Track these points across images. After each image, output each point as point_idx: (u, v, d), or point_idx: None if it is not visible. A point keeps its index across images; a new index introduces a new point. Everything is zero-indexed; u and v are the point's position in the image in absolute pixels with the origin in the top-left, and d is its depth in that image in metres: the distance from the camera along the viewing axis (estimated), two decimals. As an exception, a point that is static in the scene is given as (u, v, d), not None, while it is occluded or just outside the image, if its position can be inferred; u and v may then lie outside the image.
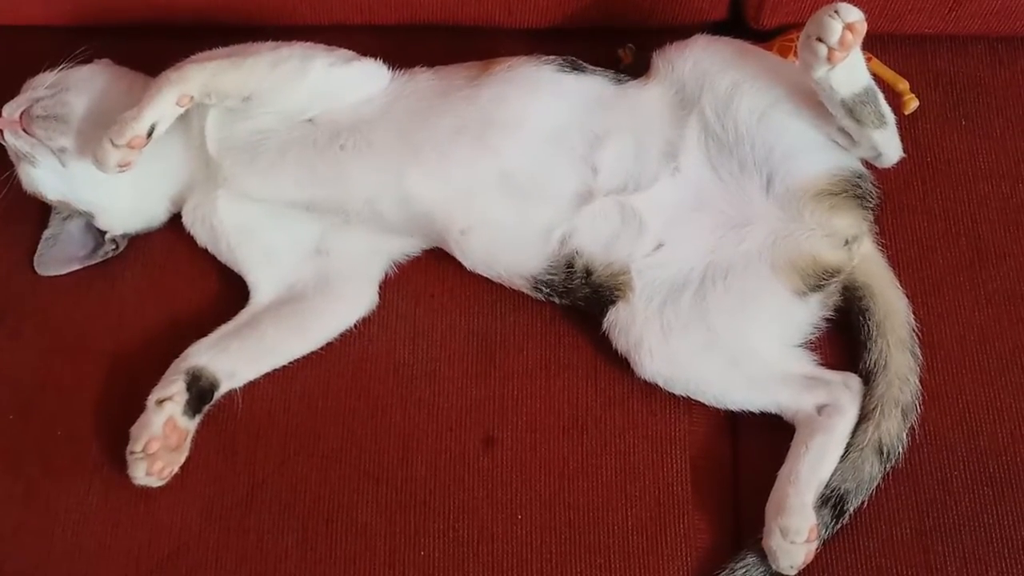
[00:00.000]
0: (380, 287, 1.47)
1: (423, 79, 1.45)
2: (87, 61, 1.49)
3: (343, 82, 1.43)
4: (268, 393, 1.43)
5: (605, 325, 1.40)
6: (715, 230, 1.39)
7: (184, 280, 1.49)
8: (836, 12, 1.25)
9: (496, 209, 1.40)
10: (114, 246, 1.49)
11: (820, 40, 1.26)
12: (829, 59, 1.26)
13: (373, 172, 1.40)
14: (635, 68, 1.49)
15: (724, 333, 1.37)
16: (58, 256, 1.50)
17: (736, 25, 1.59)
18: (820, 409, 1.36)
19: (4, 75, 1.49)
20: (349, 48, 1.47)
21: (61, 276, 1.49)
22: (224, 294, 1.48)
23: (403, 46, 1.51)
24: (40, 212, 1.52)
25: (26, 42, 1.62)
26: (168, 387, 1.37)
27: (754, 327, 1.38)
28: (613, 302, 1.40)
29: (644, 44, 1.53)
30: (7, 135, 1.42)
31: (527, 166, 1.39)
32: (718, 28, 1.57)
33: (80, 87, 1.44)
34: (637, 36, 1.58)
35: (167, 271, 1.50)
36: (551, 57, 1.44)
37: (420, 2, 1.58)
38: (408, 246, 1.48)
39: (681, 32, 1.49)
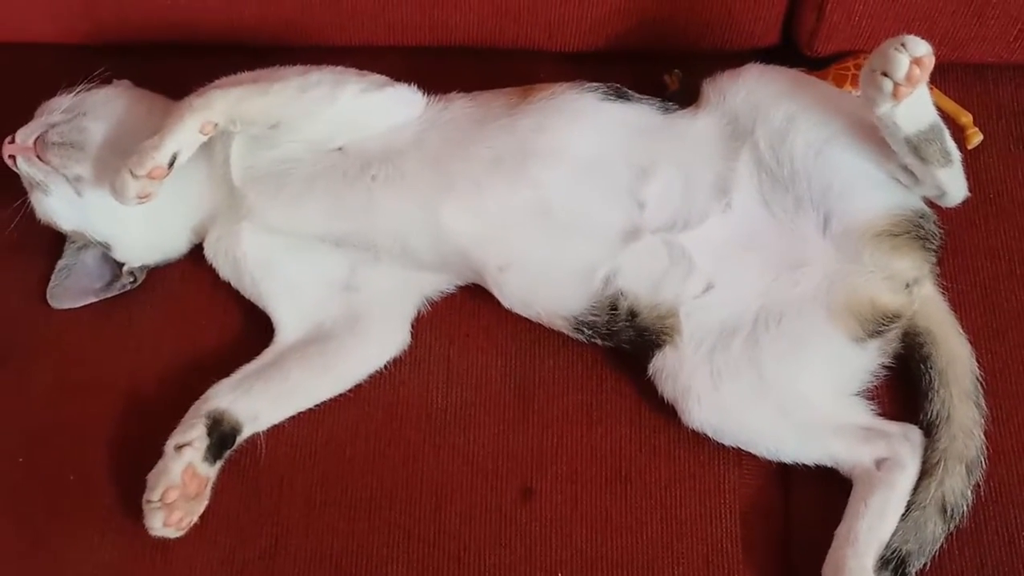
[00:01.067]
0: (412, 325, 1.40)
1: (459, 106, 1.38)
2: (105, 82, 1.44)
3: (375, 109, 1.37)
4: (293, 438, 1.36)
5: (651, 370, 1.34)
6: (768, 271, 1.33)
7: (205, 315, 1.43)
8: (903, 45, 1.18)
9: (536, 245, 1.33)
10: (132, 279, 1.43)
11: (885, 75, 1.19)
12: (894, 95, 1.20)
13: (405, 205, 1.34)
14: (682, 95, 1.43)
15: (777, 381, 1.31)
16: (72, 288, 1.43)
17: (788, 51, 1.52)
18: (879, 463, 1.29)
19: (15, 95, 1.43)
20: (377, 71, 1.41)
21: (75, 309, 1.43)
22: (247, 331, 1.41)
23: (435, 70, 1.45)
24: (54, 241, 1.45)
25: (38, 61, 1.57)
26: (188, 432, 1.30)
27: (809, 374, 1.31)
28: (659, 346, 1.33)
29: (691, 70, 1.48)
30: (20, 162, 1.36)
31: (569, 200, 1.32)
32: (769, 54, 1.51)
33: (97, 112, 1.38)
34: (683, 61, 1.52)
35: (187, 305, 1.44)
36: (594, 84, 1.38)
37: (455, 23, 1.51)
38: (442, 282, 1.41)
39: (730, 58, 1.43)
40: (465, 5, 1.49)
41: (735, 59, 1.41)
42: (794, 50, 1.52)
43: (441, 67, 1.48)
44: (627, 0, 1.47)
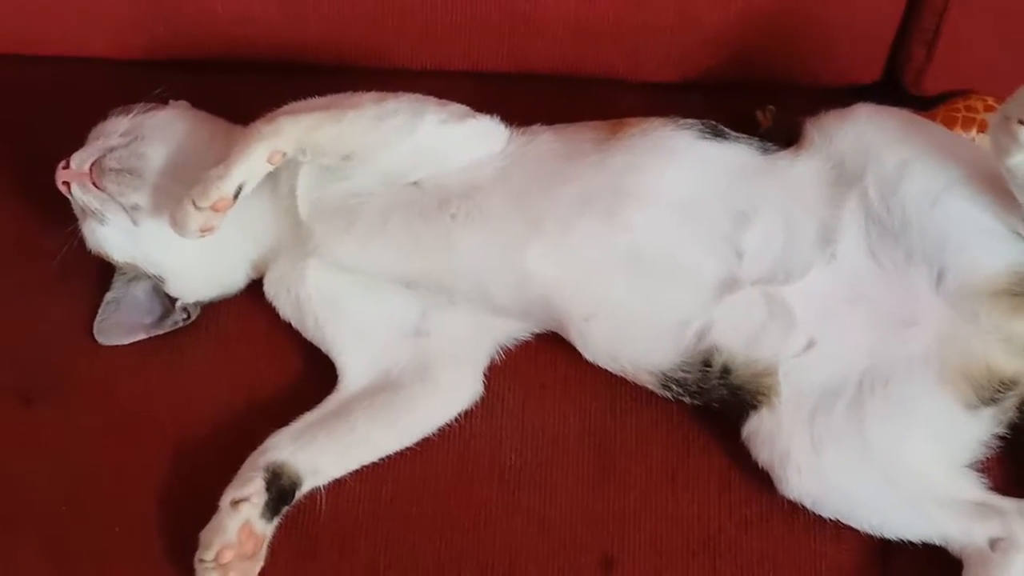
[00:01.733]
0: (485, 375, 1.32)
1: (544, 140, 1.30)
2: (162, 103, 1.36)
3: (456, 141, 1.29)
4: (355, 494, 1.27)
5: (745, 433, 1.25)
6: (874, 329, 1.24)
7: (263, 357, 1.34)
8: None
9: (626, 294, 1.25)
10: (185, 315, 1.34)
11: (1022, 123, 1.09)
12: (1031, 146, 1.10)
13: (487, 246, 1.26)
14: (774, 133, 1.35)
15: (883, 449, 1.22)
16: (121, 323, 1.35)
17: (888, 89, 1.46)
18: (993, 543, 1.20)
19: (67, 113, 1.37)
20: (448, 98, 1.32)
21: (123, 346, 1.35)
22: (308, 375, 1.32)
23: (509, 97, 1.38)
24: (101, 271, 1.36)
25: (91, 77, 1.50)
26: (245, 486, 1.21)
27: (917, 443, 1.22)
28: (755, 407, 1.24)
29: (783, 105, 1.42)
30: (75, 189, 1.28)
31: (663, 245, 1.24)
32: (868, 91, 1.44)
33: (157, 136, 1.30)
34: (775, 96, 1.44)
35: (243, 345, 1.35)
36: (689, 120, 1.29)
37: (533, 49, 1.45)
38: (518, 329, 1.33)
39: (827, 94, 1.38)
40: (546, 30, 1.42)
41: (831, 95, 1.36)
42: (896, 87, 1.45)
43: (514, 94, 1.42)
44: (721, 30, 1.41)
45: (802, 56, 1.42)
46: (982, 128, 1.37)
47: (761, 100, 1.44)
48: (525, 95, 1.42)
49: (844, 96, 1.38)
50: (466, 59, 1.45)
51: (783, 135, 1.32)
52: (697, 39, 1.41)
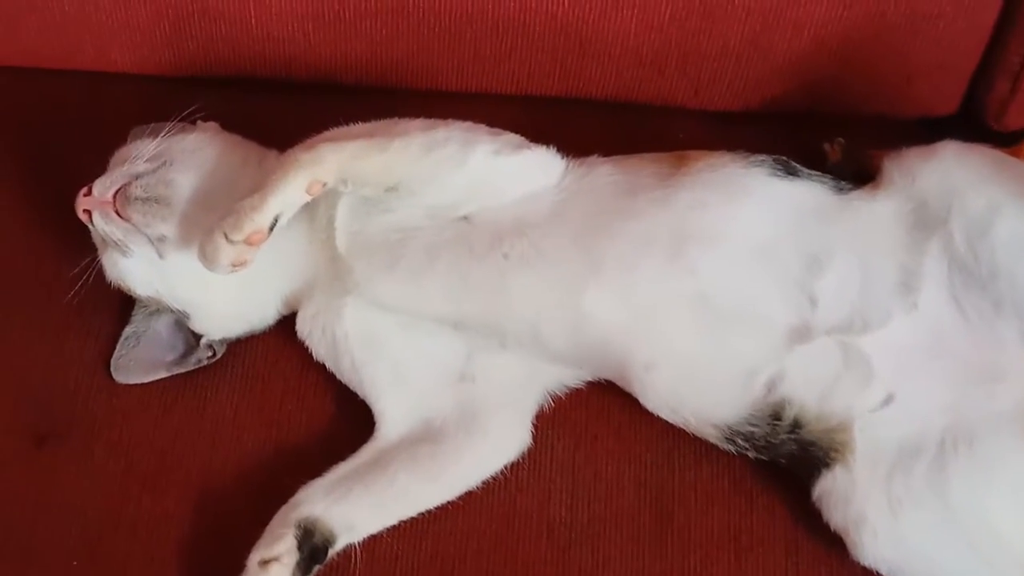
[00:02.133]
0: (533, 424, 1.23)
1: (603, 173, 1.22)
2: (190, 124, 1.28)
3: (509, 173, 1.21)
4: (393, 551, 1.18)
5: (816, 493, 1.17)
6: (958, 383, 1.15)
7: (293, 399, 1.26)
8: None
9: (691, 341, 1.17)
10: (210, 353, 1.26)
11: None
12: None
13: (542, 288, 1.17)
14: (843, 167, 1.28)
15: (968, 513, 1.13)
16: (141, 360, 1.26)
17: (964, 122, 1.38)
18: (1087, 617, 1.10)
19: (90, 130, 1.33)
20: (495, 124, 1.25)
21: (142, 385, 1.26)
22: (343, 422, 1.24)
23: (558, 123, 1.31)
24: (120, 302, 1.28)
25: (116, 93, 1.42)
26: (275, 544, 1.13)
27: (1005, 507, 1.13)
28: (827, 464, 1.16)
29: (854, 138, 1.33)
30: (96, 218, 1.19)
31: (731, 290, 1.16)
32: (942, 124, 1.37)
33: (186, 161, 1.21)
34: (841, 127, 1.35)
35: (273, 387, 1.26)
36: (760, 157, 1.21)
37: (588, 74, 1.37)
38: (570, 376, 1.25)
39: (896, 127, 1.32)
40: (603, 55, 1.34)
41: (901, 128, 1.31)
42: (971, 121, 1.37)
43: (564, 121, 1.35)
44: (792, 58, 1.33)
45: (876, 86, 1.34)
46: (1071, 166, 1.28)
47: (828, 132, 1.35)
48: (576, 122, 1.35)
49: (916, 129, 1.34)
50: (514, 82, 1.38)
51: (852, 170, 1.25)
52: (765, 67, 1.33)
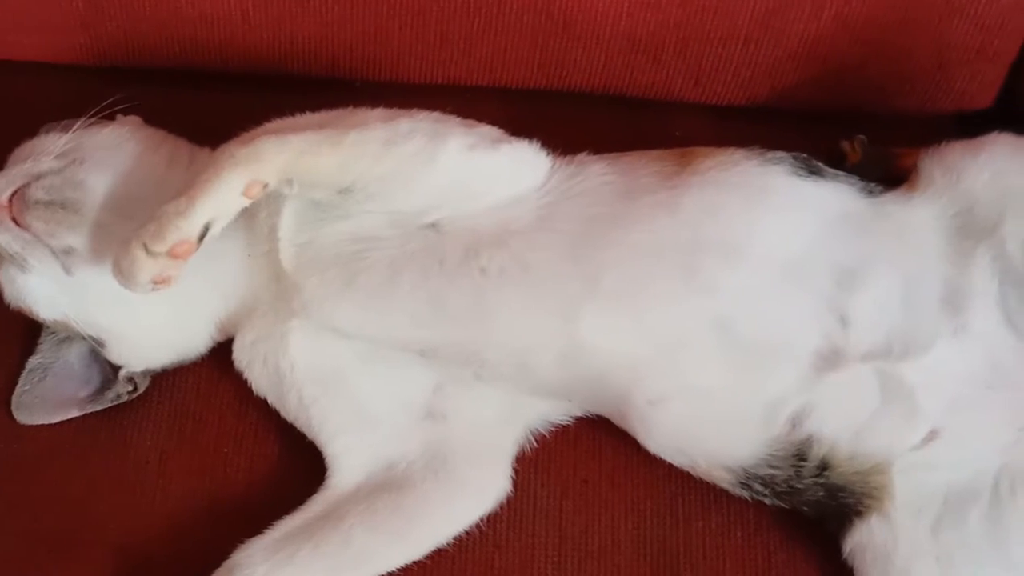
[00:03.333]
0: (513, 468, 1.11)
1: (595, 172, 1.09)
2: (109, 118, 1.15)
3: (486, 173, 1.08)
4: None
5: (848, 547, 1.05)
6: (1014, 418, 1.05)
7: (230, 442, 1.13)
8: None
9: (704, 372, 1.04)
10: (131, 387, 1.14)
11: None
12: None
13: (529, 310, 1.04)
14: (865, 169, 1.16)
15: None
16: (49, 396, 1.15)
17: (1000, 117, 1.24)
18: None
19: None
20: (465, 119, 1.12)
21: (51, 426, 1.14)
22: (288, 467, 1.12)
23: (540, 120, 1.16)
24: (25, 328, 1.16)
25: (22, 86, 1.31)
26: None
27: None
28: (860, 513, 1.05)
29: (875, 136, 1.23)
30: None
31: (752, 311, 1.03)
32: (974, 120, 1.27)
33: (100, 160, 1.09)
34: (861, 124, 1.26)
35: (206, 427, 1.14)
36: (779, 154, 1.09)
37: (573, 62, 1.26)
38: (556, 411, 1.12)
39: (925, 124, 1.22)
40: (590, 38, 1.23)
41: (931, 126, 1.22)
42: (1008, 116, 1.24)
43: (547, 116, 1.22)
44: (805, 45, 1.22)
45: (905, 79, 1.24)
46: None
47: (845, 131, 1.25)
48: (559, 118, 1.22)
49: (945, 126, 1.23)
50: (488, 72, 1.28)
51: (876, 174, 1.14)
52: (777, 53, 1.22)
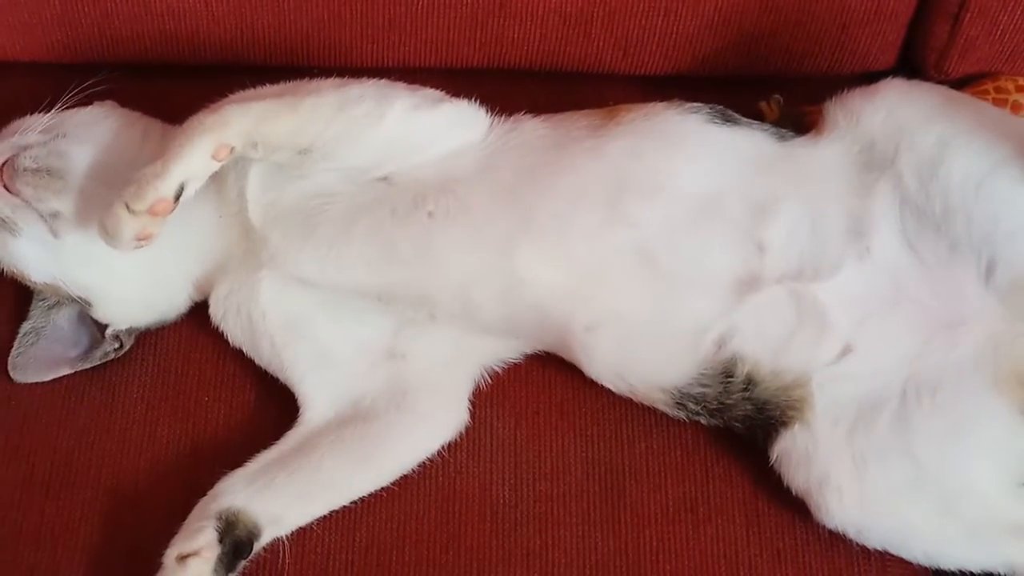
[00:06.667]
0: (470, 402, 1.17)
1: (531, 127, 1.17)
2: (85, 103, 1.21)
3: (430, 130, 1.15)
4: (325, 543, 1.11)
5: (775, 455, 1.11)
6: (918, 331, 1.11)
7: (210, 390, 1.19)
8: None
9: (634, 299, 1.11)
10: (117, 344, 1.19)
11: None
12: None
13: (470, 248, 1.11)
14: (782, 126, 1.21)
15: (935, 467, 1.08)
16: (41, 357, 1.19)
17: (904, 76, 1.27)
18: (1069, 571, 1.05)
19: None
20: None
21: (44, 384, 1.19)
22: (264, 411, 1.17)
23: (484, 96, 1.22)
24: (17, 295, 1.21)
25: (5, 83, 1.35)
26: (194, 538, 1.05)
27: (973, 459, 1.09)
28: (785, 424, 1.11)
29: (790, 97, 1.31)
30: None
31: (674, 242, 1.11)
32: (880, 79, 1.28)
33: (82, 133, 1.16)
34: (779, 87, 1.32)
35: (187, 378, 1.20)
36: (696, 104, 1.16)
37: (510, 39, 1.31)
38: (507, 349, 1.19)
39: (837, 85, 1.21)
40: (525, 17, 1.29)
41: (839, 85, 1.21)
42: (911, 75, 1.28)
43: (489, 92, 1.24)
44: (720, 15, 1.28)
45: (812, 42, 1.30)
46: (1015, 111, 1.26)
47: (763, 91, 1.32)
48: (502, 94, 1.25)
49: (855, 86, 1.24)
50: (434, 53, 1.33)
51: (791, 129, 1.20)
52: (697, 25, 1.28)
